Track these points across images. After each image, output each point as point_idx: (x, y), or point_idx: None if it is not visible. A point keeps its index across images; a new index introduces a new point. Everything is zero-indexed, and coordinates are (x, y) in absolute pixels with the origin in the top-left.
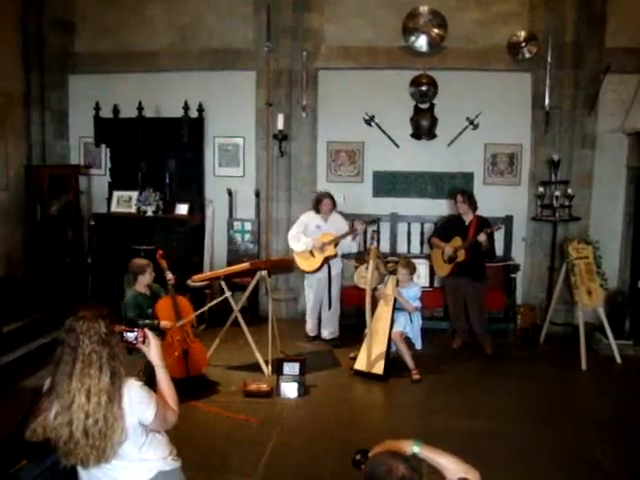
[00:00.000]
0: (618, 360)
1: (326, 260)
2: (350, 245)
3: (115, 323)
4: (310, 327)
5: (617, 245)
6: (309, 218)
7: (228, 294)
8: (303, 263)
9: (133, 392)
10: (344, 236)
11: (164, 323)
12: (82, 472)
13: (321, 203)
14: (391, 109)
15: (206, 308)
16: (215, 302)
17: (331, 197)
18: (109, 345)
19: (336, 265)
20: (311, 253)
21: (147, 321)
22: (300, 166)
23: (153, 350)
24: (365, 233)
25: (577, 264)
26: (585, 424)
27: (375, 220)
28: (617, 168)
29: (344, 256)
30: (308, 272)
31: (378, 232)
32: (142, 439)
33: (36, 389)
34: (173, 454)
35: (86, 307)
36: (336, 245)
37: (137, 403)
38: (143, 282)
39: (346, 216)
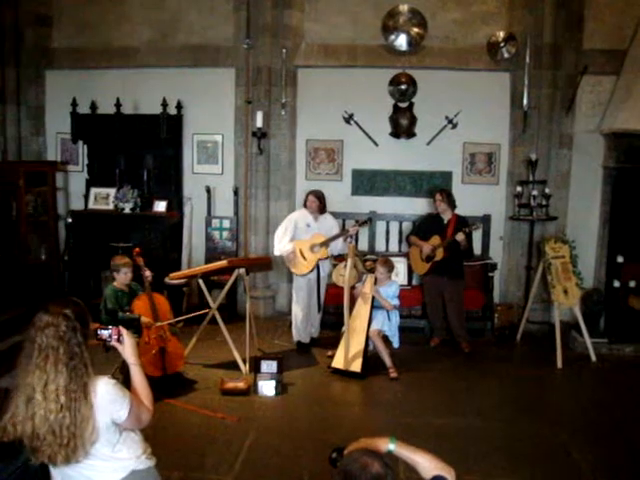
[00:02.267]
0: (593, 358)
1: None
2: (342, 247)
3: (90, 321)
4: (302, 333)
5: (593, 244)
6: (300, 216)
7: (215, 312)
8: (296, 269)
9: (105, 391)
10: (335, 238)
11: (145, 319)
12: (54, 471)
13: (307, 200)
14: (370, 107)
15: (186, 317)
16: (195, 314)
17: (317, 196)
18: (67, 343)
19: (324, 266)
20: (302, 256)
21: (128, 314)
22: (279, 164)
23: (128, 348)
24: (357, 234)
25: (553, 263)
26: (560, 421)
27: (367, 221)
28: (594, 168)
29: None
30: (300, 274)
31: (370, 220)
32: (115, 437)
33: (8, 388)
34: (147, 452)
35: (55, 303)
36: (327, 247)
37: (110, 402)
38: (119, 280)
39: None
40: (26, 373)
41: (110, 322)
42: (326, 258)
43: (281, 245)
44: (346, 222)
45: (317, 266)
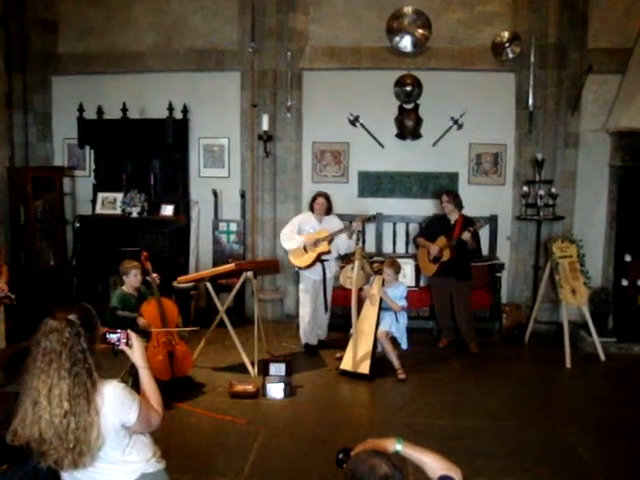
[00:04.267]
0: (602, 357)
1: (319, 256)
2: (348, 245)
3: (98, 325)
4: (309, 335)
5: (600, 243)
6: (304, 219)
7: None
8: (296, 260)
9: (114, 394)
10: (338, 233)
11: (143, 321)
12: (64, 475)
13: (315, 201)
14: (376, 109)
15: (190, 329)
16: (194, 329)
17: (326, 197)
18: (70, 349)
19: (331, 268)
20: (304, 250)
21: (126, 312)
22: (285, 167)
23: (136, 352)
24: (363, 230)
25: (561, 263)
26: (569, 421)
27: (371, 217)
28: (600, 167)
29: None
30: (301, 268)
31: (363, 232)
32: (125, 441)
33: (17, 393)
34: (157, 455)
35: (61, 308)
36: (330, 242)
37: (119, 405)
38: (129, 284)
39: None
40: (32, 377)
41: (111, 320)
42: (328, 253)
43: (292, 242)
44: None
45: (323, 267)
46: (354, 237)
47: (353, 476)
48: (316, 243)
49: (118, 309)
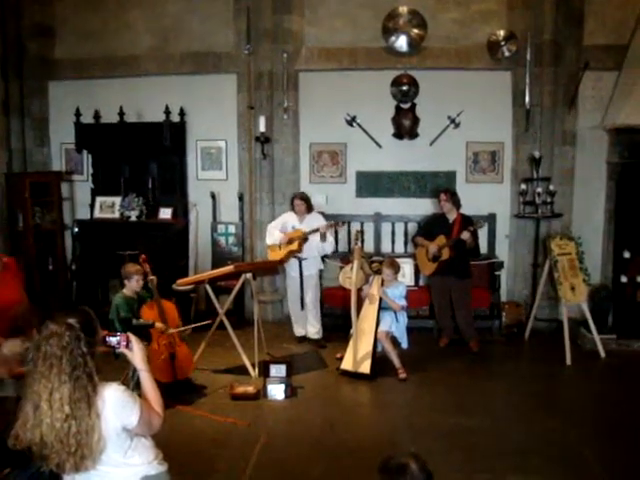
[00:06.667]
0: (602, 354)
1: (289, 254)
2: (323, 247)
3: (99, 329)
4: (295, 327)
5: (599, 240)
6: (288, 217)
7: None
8: (271, 254)
9: (115, 397)
10: (310, 233)
11: (159, 325)
12: (66, 478)
13: (292, 203)
14: (372, 109)
15: (194, 325)
16: (203, 323)
17: (303, 198)
18: (70, 353)
19: (309, 267)
20: (279, 246)
21: (141, 320)
22: (283, 168)
23: (137, 354)
24: (362, 230)
25: (560, 260)
26: (570, 418)
27: (334, 224)
28: (597, 164)
29: (326, 257)
30: (273, 259)
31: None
32: (127, 443)
33: (19, 397)
34: (159, 458)
35: (61, 312)
36: (304, 241)
37: (120, 408)
38: (130, 287)
39: (329, 217)
40: (33, 381)
41: (125, 330)
42: (298, 252)
43: (273, 237)
44: (351, 224)
45: (300, 265)
46: (330, 240)
47: (385, 472)
48: (290, 241)
49: (130, 318)
